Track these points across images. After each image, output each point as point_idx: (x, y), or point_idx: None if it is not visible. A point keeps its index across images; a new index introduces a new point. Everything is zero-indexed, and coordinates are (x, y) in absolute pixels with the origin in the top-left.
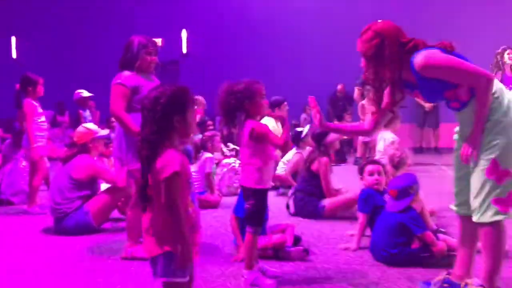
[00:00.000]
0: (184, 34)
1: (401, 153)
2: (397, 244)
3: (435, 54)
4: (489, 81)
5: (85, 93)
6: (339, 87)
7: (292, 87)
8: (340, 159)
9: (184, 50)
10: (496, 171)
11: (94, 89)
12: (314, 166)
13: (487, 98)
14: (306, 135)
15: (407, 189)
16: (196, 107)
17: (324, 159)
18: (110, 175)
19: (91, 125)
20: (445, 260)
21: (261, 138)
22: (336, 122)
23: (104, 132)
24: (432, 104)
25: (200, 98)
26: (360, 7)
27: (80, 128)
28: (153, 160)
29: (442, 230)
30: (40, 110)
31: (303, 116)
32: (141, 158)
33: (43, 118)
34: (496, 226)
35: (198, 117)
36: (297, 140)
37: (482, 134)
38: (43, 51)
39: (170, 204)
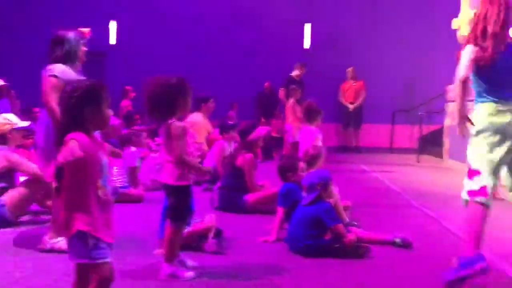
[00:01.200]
0: (112, 25)
1: (315, 150)
2: (311, 235)
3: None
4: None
5: None
6: (266, 84)
7: (220, 84)
8: (267, 156)
9: (113, 42)
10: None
11: (16, 79)
12: (239, 162)
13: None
14: (231, 127)
15: (315, 184)
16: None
17: (249, 155)
18: (29, 167)
19: (10, 116)
20: (354, 251)
21: (171, 138)
22: (263, 121)
23: (24, 123)
24: (355, 105)
25: (129, 88)
26: (284, 8)
27: None
28: None
29: (354, 223)
30: None
31: (231, 113)
32: (56, 148)
33: None
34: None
35: (126, 108)
36: (222, 130)
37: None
38: None
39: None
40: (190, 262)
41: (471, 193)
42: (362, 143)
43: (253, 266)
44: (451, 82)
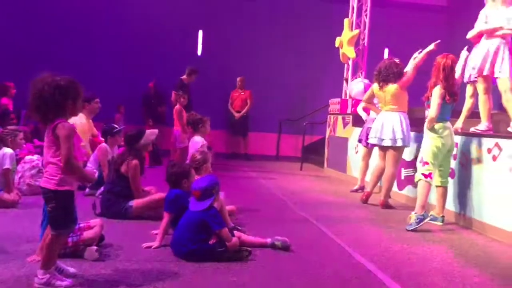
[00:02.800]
0: None
1: (201, 155)
2: (197, 240)
3: None
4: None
5: None
6: (150, 84)
7: (107, 86)
8: (155, 161)
9: None
10: None
11: None
12: (123, 168)
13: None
14: (117, 132)
15: (210, 190)
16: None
17: (134, 161)
18: None
19: None
20: (237, 254)
21: (59, 139)
22: (151, 122)
23: None
24: (240, 114)
25: (10, 85)
26: (177, 13)
27: None
28: None
29: (239, 227)
30: None
31: (117, 115)
32: None
33: None
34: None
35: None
36: (106, 134)
37: None
38: None
39: None
40: (68, 270)
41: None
42: (251, 150)
43: (136, 273)
44: (333, 96)
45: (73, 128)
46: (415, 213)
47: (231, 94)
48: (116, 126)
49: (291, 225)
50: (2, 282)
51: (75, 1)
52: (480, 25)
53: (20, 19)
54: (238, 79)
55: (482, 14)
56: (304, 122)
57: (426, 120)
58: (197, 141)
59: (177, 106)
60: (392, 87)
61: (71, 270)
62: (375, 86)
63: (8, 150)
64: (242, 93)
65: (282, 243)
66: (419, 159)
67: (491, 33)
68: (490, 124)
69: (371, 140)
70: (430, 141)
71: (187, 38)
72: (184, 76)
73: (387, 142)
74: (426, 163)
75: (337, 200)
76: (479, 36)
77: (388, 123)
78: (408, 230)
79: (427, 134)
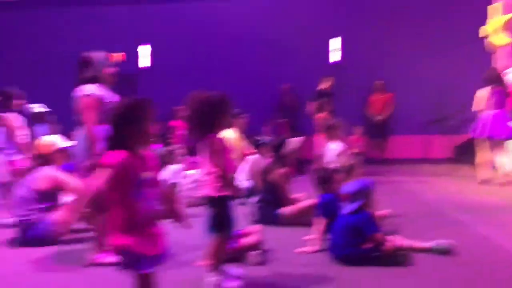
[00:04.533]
0: (145, 48)
1: (352, 160)
2: (351, 244)
3: None
4: None
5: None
6: (286, 86)
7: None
8: (299, 170)
9: (145, 64)
10: None
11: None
12: (271, 177)
13: None
14: (263, 143)
15: (359, 193)
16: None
17: (281, 170)
18: (76, 186)
19: (54, 137)
20: (392, 259)
21: (217, 153)
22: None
23: (68, 143)
24: (380, 117)
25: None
26: (309, 24)
27: (41, 141)
28: None
29: (392, 232)
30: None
31: (265, 128)
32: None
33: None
34: None
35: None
36: (255, 146)
37: None
38: None
39: None
40: (235, 271)
41: None
42: (394, 154)
43: (294, 276)
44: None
45: (224, 142)
46: None
47: (369, 99)
48: (260, 138)
49: (447, 229)
50: (175, 284)
51: (216, 15)
52: None
53: (169, 46)
54: (377, 82)
55: None
56: (451, 121)
57: None
58: (335, 148)
59: (324, 114)
60: None
61: (237, 271)
62: None
63: (174, 166)
64: (382, 97)
65: (445, 247)
66: None
67: None
68: None
69: None
70: None
71: (320, 46)
72: (323, 85)
73: None
74: None
75: (493, 200)
76: None
77: None
78: None
79: None
